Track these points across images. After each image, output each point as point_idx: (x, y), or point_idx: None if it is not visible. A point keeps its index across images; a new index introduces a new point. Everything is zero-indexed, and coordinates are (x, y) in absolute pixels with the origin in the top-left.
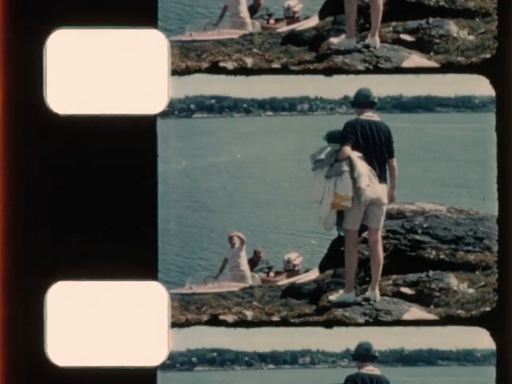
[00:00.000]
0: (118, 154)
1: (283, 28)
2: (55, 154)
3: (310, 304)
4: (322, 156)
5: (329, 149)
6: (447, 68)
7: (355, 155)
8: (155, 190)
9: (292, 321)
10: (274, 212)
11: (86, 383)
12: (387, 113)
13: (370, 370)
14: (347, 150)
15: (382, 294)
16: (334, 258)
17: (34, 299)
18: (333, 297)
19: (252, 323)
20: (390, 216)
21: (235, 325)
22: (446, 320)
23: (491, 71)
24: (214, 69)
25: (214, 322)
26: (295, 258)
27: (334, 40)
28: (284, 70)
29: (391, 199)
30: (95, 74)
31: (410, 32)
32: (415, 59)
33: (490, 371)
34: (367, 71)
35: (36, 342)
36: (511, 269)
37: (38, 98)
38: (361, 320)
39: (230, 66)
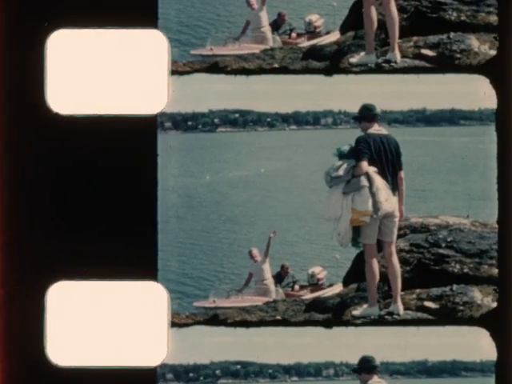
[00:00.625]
0: (118, 154)
1: (304, 43)
2: (55, 153)
3: (333, 318)
4: (340, 173)
5: (345, 165)
6: (447, 68)
7: (372, 170)
8: (155, 190)
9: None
10: (296, 225)
11: (86, 383)
12: (411, 126)
13: (378, 381)
14: (364, 165)
15: (406, 308)
16: (357, 272)
17: (34, 299)
18: (356, 311)
19: (252, 323)
20: (413, 230)
21: (235, 325)
22: (446, 320)
23: (491, 71)
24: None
25: (214, 321)
26: (319, 271)
27: (353, 60)
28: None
29: (400, 215)
30: (95, 74)
31: (431, 47)
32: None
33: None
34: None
35: (36, 342)
36: (511, 269)
37: (38, 98)
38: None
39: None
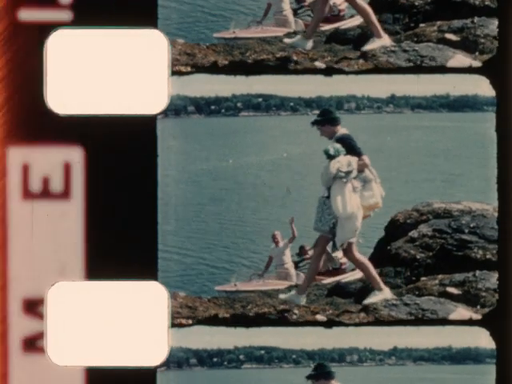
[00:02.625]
0: (118, 154)
1: (327, 26)
2: (55, 153)
3: (355, 303)
4: (354, 166)
5: (352, 159)
6: (447, 68)
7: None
8: (155, 190)
9: (338, 320)
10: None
11: (86, 383)
12: (435, 112)
13: None
14: (367, 158)
15: (428, 294)
16: (380, 258)
17: (34, 298)
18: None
19: (253, 322)
20: (436, 215)
21: (235, 324)
22: (446, 320)
23: (491, 71)
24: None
25: (215, 321)
26: (342, 256)
27: (368, 47)
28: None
29: None
30: (95, 73)
31: (454, 31)
32: (460, 59)
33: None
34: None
35: (36, 341)
36: (511, 269)
37: (38, 98)
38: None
39: (272, 64)
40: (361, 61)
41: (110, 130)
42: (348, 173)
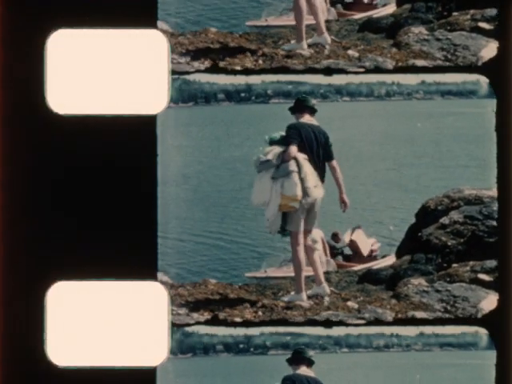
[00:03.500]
0: (118, 154)
1: (360, 15)
2: (55, 154)
3: (386, 290)
4: (269, 157)
5: (275, 150)
6: (447, 68)
7: (301, 156)
8: (155, 190)
9: (369, 307)
10: (350, 196)
11: (86, 383)
12: (465, 98)
13: (305, 371)
14: (294, 149)
15: (460, 281)
16: (411, 244)
17: (34, 299)
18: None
19: (253, 323)
20: (467, 201)
21: (235, 324)
22: (446, 320)
23: (491, 71)
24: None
25: (214, 321)
26: (373, 243)
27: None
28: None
29: (344, 204)
30: (95, 73)
31: (488, 20)
32: (493, 47)
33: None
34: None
35: (36, 342)
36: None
37: (39, 98)
38: (438, 306)
39: (306, 53)
40: (394, 49)
41: (110, 129)
42: (264, 162)
